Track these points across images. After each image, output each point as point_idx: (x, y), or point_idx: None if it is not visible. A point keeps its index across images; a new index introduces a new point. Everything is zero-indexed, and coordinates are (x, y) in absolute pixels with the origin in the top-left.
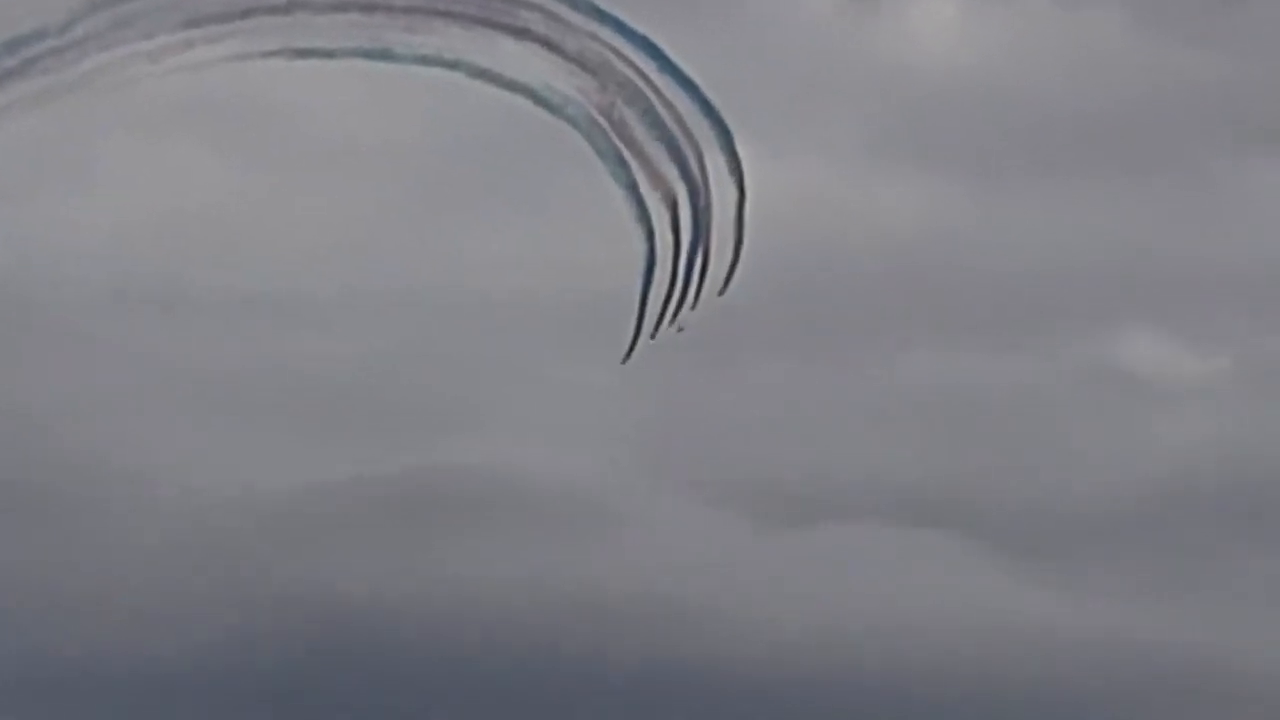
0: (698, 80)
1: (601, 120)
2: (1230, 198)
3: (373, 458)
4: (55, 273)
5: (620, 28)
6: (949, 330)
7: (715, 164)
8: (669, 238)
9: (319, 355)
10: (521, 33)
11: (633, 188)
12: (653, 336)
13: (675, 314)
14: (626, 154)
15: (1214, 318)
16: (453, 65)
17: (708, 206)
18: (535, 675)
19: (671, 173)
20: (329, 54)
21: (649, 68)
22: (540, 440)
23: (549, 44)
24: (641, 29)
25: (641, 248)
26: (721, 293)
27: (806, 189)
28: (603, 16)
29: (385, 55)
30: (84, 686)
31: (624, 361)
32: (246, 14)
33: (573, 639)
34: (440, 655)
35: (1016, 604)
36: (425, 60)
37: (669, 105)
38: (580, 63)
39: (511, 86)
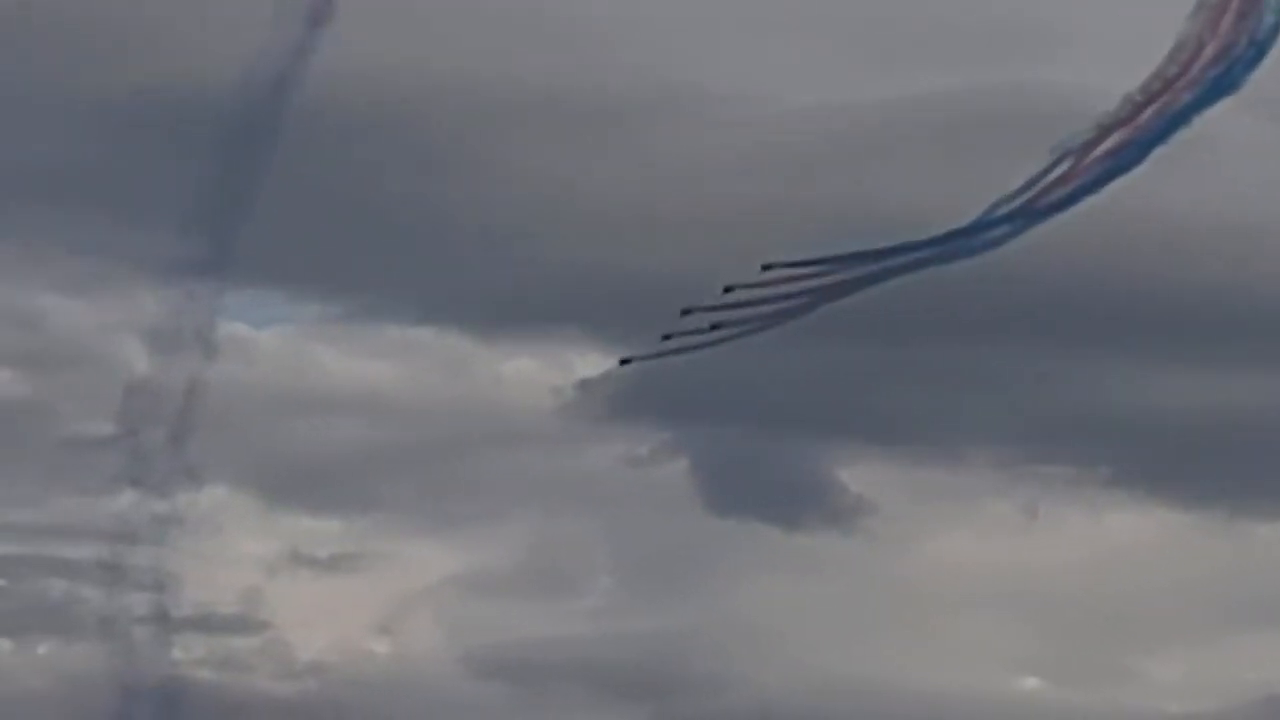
0: None
1: None
2: None
3: (946, 76)
4: None
5: None
6: None
7: None
8: None
9: None
10: None
11: None
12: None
13: None
14: None
15: None
16: None
17: None
18: (1104, 301)
19: None
20: None
21: None
22: (1121, 62)
23: None
24: None
25: None
26: None
27: None
28: None
29: None
30: (632, 306)
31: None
32: None
33: (1149, 263)
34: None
35: None
36: None
37: None
38: None
39: None
